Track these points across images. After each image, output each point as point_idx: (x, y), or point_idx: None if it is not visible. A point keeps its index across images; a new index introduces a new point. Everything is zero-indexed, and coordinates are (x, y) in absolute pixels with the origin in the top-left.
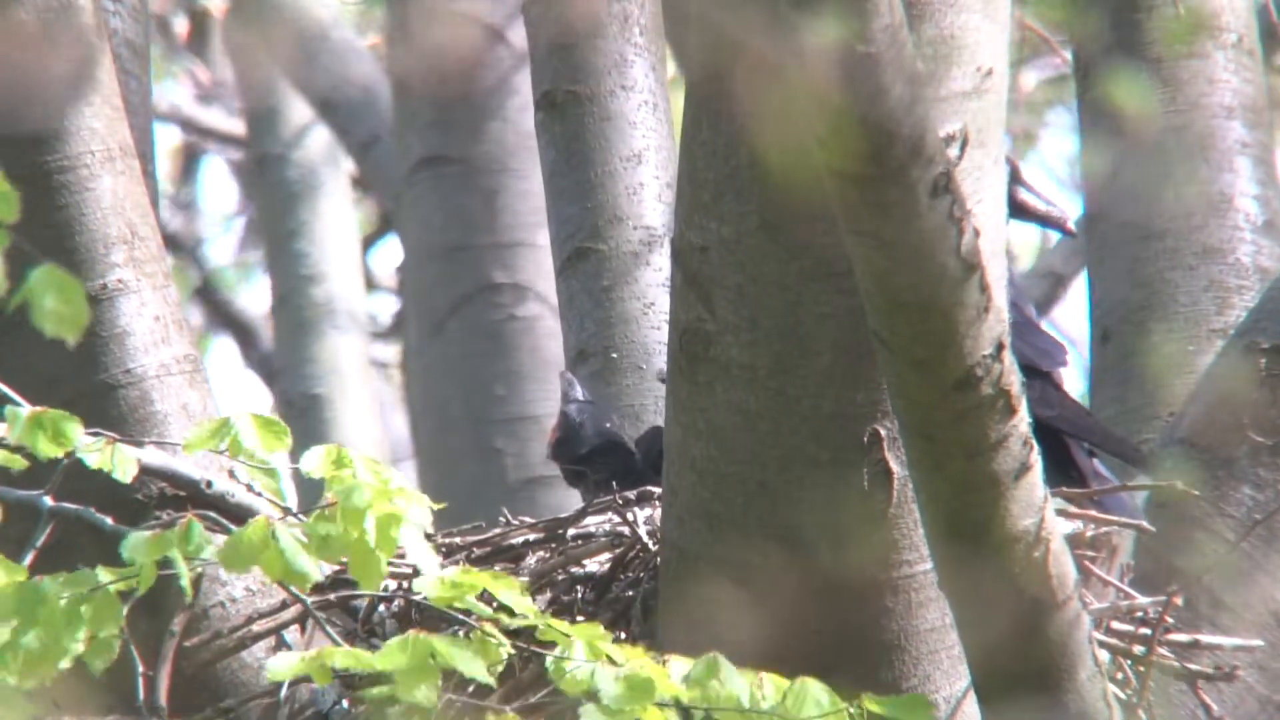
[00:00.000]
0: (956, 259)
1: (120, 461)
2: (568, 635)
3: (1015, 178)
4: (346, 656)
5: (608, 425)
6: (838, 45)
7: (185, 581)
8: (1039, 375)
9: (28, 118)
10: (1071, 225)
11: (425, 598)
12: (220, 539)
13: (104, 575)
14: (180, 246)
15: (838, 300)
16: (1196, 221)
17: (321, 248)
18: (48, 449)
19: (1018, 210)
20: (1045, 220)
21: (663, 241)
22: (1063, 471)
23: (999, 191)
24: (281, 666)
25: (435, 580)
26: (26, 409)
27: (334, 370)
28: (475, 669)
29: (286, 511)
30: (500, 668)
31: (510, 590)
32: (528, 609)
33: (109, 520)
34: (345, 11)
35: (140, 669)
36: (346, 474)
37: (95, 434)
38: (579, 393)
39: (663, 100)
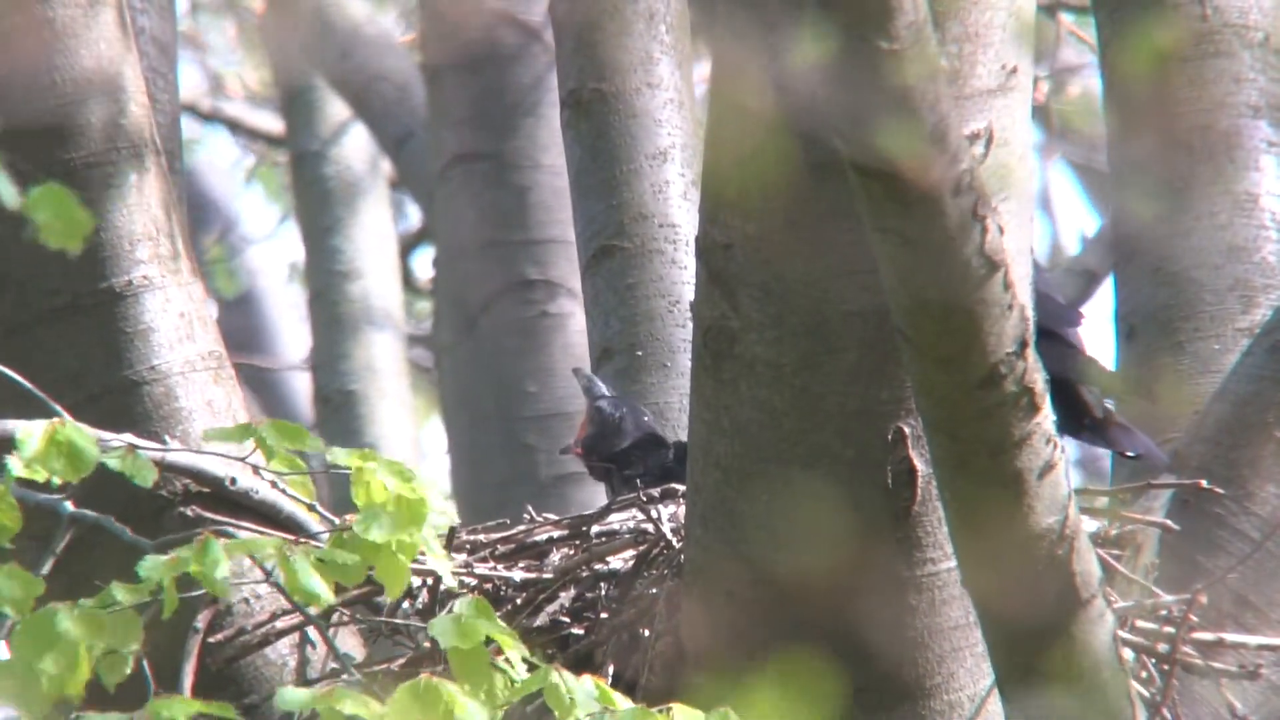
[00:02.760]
0: (980, 257)
1: (139, 468)
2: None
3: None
4: (356, 703)
5: (645, 419)
6: (862, 42)
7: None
8: (1053, 336)
9: (54, 113)
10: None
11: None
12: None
13: (121, 595)
14: None
15: (863, 298)
16: (1222, 220)
17: (357, 244)
18: (65, 474)
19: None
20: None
21: (688, 239)
22: (1074, 414)
23: (1023, 189)
24: (293, 699)
25: (451, 625)
26: (42, 423)
27: (369, 366)
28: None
29: (311, 508)
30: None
31: (517, 646)
32: (535, 662)
33: (128, 531)
34: (380, 7)
35: (153, 689)
36: (374, 486)
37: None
38: (602, 388)
39: (688, 97)
